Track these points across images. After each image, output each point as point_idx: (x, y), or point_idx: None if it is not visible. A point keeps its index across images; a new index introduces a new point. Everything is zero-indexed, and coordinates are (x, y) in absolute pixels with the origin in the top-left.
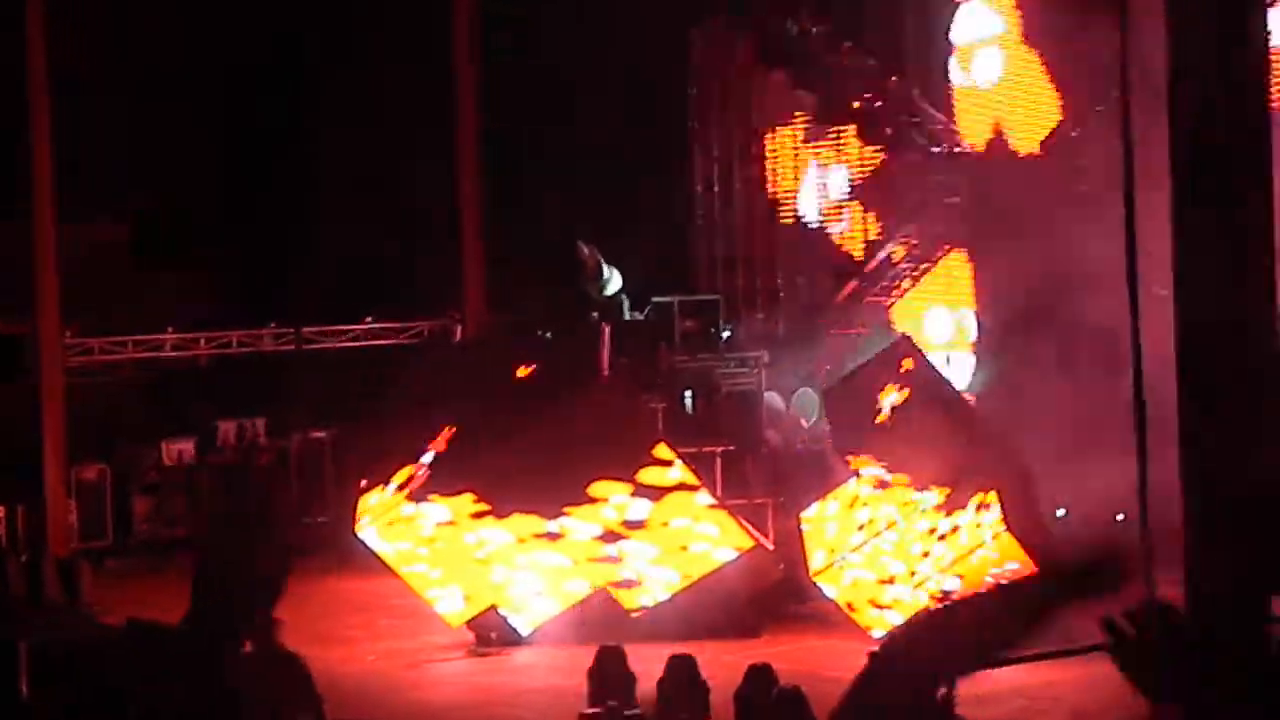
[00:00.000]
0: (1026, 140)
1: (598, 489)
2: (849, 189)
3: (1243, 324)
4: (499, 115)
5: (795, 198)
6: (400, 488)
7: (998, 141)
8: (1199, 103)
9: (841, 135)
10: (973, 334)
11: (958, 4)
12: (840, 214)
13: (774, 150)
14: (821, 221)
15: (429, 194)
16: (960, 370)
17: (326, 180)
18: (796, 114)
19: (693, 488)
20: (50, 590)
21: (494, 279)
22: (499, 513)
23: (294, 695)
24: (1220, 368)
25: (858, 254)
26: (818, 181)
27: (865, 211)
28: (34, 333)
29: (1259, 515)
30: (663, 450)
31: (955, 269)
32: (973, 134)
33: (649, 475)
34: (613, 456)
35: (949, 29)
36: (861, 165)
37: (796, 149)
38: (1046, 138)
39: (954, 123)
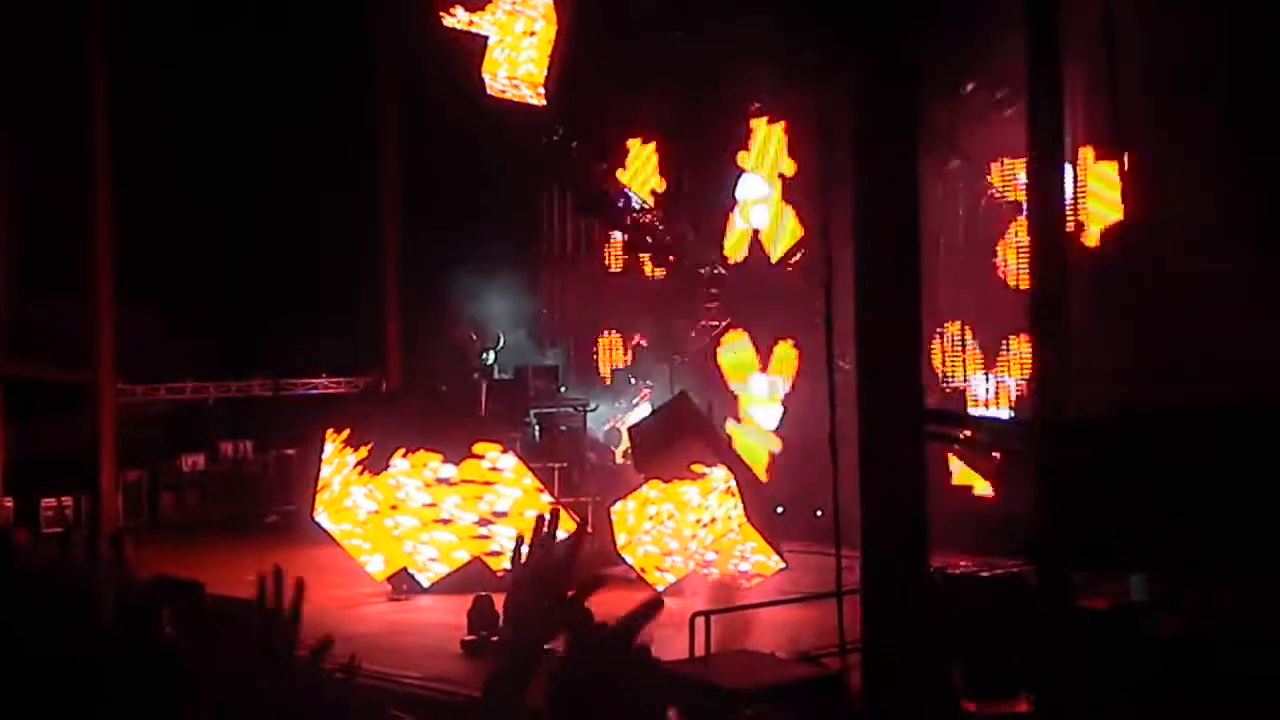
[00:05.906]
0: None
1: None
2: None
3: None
4: (416, 221)
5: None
6: (343, 486)
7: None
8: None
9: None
10: (782, 393)
11: (741, 172)
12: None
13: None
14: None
15: (360, 283)
16: (770, 416)
17: (286, 275)
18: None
19: (538, 490)
20: (104, 555)
21: (408, 348)
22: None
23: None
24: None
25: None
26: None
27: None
28: (95, 380)
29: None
30: (481, 447)
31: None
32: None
33: (470, 469)
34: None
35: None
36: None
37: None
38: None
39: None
